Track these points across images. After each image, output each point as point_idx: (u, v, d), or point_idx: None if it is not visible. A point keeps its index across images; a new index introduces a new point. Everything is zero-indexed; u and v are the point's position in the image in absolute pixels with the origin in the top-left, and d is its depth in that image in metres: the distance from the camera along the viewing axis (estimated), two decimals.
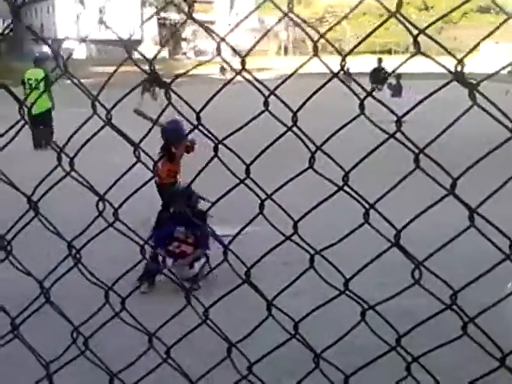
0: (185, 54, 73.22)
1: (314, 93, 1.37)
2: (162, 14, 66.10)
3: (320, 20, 74.45)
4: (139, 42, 73.55)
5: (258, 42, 1.68)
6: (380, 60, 20.15)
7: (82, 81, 1.53)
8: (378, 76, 20.37)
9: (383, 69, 20.30)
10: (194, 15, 1.36)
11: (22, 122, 1.50)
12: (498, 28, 1.22)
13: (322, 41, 1.40)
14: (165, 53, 72.82)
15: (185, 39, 74.97)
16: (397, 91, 20.71)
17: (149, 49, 73.22)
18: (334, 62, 1.38)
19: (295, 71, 1.45)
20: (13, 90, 1.62)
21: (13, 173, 1.73)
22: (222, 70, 36.13)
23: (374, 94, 1.42)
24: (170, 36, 65.02)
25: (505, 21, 1.20)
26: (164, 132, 7.56)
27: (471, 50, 1.20)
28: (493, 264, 1.34)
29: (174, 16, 71.59)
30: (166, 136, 7.67)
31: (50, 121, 15.04)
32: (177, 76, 1.52)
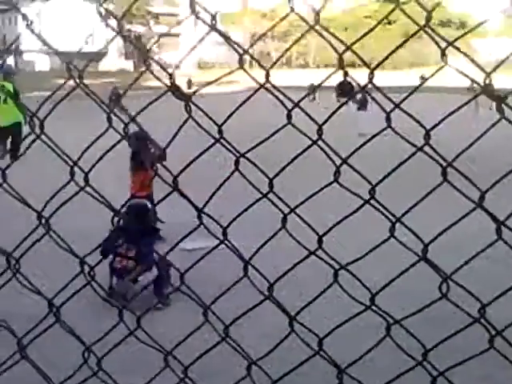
0: (150, 66, 72.55)
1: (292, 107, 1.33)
2: (127, 27, 66.01)
3: (285, 34, 75.19)
4: (104, 54, 73.25)
5: (286, 51, 1.63)
6: (346, 73, 20.30)
7: (46, 93, 1.47)
8: (344, 89, 20.59)
9: (349, 82, 20.50)
10: (156, 27, 1.27)
11: None
12: (456, 40, 1.22)
13: (288, 54, 1.37)
14: (130, 65, 72.69)
15: (149, 51, 74.35)
16: (363, 105, 20.87)
17: (113, 61, 73.04)
18: (299, 76, 1.34)
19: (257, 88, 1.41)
20: None
21: None
22: (189, 83, 36.14)
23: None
24: (135, 47, 64.96)
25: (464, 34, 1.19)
26: (130, 141, 7.43)
27: (499, 65, 1.18)
28: None
29: (138, 28, 71.61)
30: (133, 147, 7.56)
31: (20, 134, 14.67)
32: (195, 91, 1.46)
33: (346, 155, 1.35)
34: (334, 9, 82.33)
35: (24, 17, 1.32)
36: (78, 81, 1.34)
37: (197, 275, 1.61)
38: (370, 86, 1.30)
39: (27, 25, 1.35)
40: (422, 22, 1.26)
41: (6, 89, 14.56)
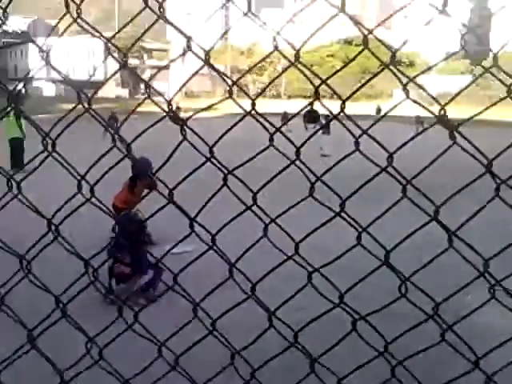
0: (143, 94, 72.71)
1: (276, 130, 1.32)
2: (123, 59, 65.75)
3: (260, 68, 75.74)
4: (103, 83, 72.86)
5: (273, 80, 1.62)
6: (312, 103, 20.62)
7: (50, 116, 1.44)
8: (311, 117, 20.94)
9: (315, 111, 20.81)
10: (149, 62, 1.25)
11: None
12: (417, 76, 1.24)
13: (261, 85, 1.38)
14: (125, 92, 72.42)
15: (148, 81, 74.03)
16: (327, 129, 21.22)
17: (111, 89, 72.68)
18: (272, 105, 1.34)
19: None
20: None
21: None
22: (177, 109, 36.10)
23: (308, 130, 1.43)
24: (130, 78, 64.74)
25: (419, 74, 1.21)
26: (133, 166, 7.19)
27: (452, 99, 1.19)
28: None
29: (133, 61, 71.67)
30: (134, 169, 7.53)
31: (20, 148, 14.91)
32: (190, 116, 1.45)
33: (311, 173, 1.34)
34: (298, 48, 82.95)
35: (40, 49, 1.29)
36: (86, 106, 1.32)
37: (185, 276, 1.59)
38: (336, 114, 1.31)
39: (42, 57, 1.34)
40: (377, 62, 1.28)
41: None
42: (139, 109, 1.54)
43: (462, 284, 1.45)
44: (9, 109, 1.44)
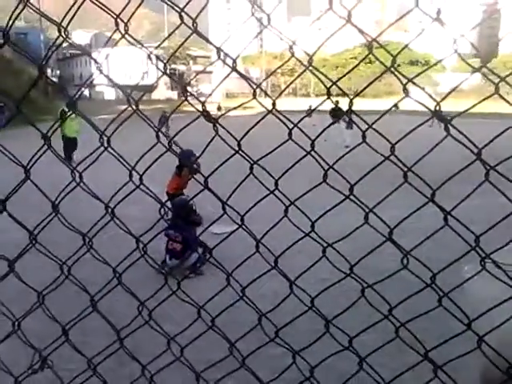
0: (190, 95, 73.14)
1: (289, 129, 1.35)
2: (172, 66, 66.93)
3: (291, 70, 75.30)
4: (155, 86, 73.72)
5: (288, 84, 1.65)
6: (337, 102, 20.58)
7: (110, 116, 1.50)
8: (335, 113, 20.85)
9: (339, 108, 20.63)
10: (195, 67, 1.29)
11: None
12: (415, 77, 1.24)
13: (293, 85, 1.39)
14: (175, 94, 73.10)
15: (190, 84, 75.44)
16: (349, 124, 21.18)
17: (162, 92, 73.47)
18: (302, 103, 1.35)
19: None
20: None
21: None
22: (219, 107, 36.22)
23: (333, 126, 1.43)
24: (178, 82, 65.29)
25: (424, 70, 1.21)
26: (180, 155, 7.89)
27: (446, 96, 1.19)
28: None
29: (181, 67, 72.46)
30: (180, 158, 7.92)
31: (72, 146, 15.91)
32: (222, 114, 1.50)
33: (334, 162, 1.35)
34: (326, 52, 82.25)
35: (95, 61, 1.35)
36: (134, 107, 1.37)
37: (221, 253, 1.63)
38: (354, 109, 1.31)
39: (97, 67, 1.39)
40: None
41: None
42: (187, 108, 1.58)
43: (466, 258, 1.45)
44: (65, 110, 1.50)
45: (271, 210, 2.16)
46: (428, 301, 1.47)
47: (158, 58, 1.48)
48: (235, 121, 1.53)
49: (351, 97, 1.26)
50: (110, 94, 68.45)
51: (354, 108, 1.29)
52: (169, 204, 7.50)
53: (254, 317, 1.70)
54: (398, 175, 1.31)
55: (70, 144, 15.72)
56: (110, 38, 1.56)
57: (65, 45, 1.52)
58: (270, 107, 1.31)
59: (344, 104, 1.45)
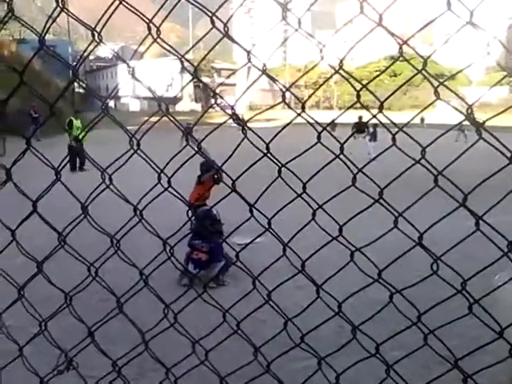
0: (214, 108, 73.89)
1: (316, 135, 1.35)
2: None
3: (314, 83, 75.54)
4: (180, 98, 74.73)
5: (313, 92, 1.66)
6: (360, 117, 20.63)
7: (135, 128, 1.52)
8: (359, 126, 20.89)
9: (364, 122, 20.72)
10: (219, 79, 1.31)
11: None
12: (446, 80, 1.24)
13: (317, 99, 1.39)
14: (198, 107, 73.94)
15: (215, 98, 75.38)
16: (372, 137, 21.26)
17: (186, 104, 74.41)
18: (325, 116, 1.36)
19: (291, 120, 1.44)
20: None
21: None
22: (242, 119, 36.29)
23: (357, 139, 1.43)
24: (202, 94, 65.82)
25: (444, 80, 1.20)
26: (200, 166, 8.41)
27: (479, 98, 1.19)
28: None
29: (204, 79, 73.25)
30: (200, 168, 8.49)
31: (83, 151, 16.38)
32: (250, 118, 1.55)
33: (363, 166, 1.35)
34: (352, 65, 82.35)
35: (132, 70, 1.37)
36: (164, 110, 1.39)
37: (245, 263, 1.62)
38: (378, 122, 1.31)
39: (131, 74, 1.41)
40: (419, 76, 1.28)
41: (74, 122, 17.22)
42: (211, 120, 1.60)
43: (492, 269, 1.43)
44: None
45: (296, 220, 2.15)
46: (455, 314, 1.44)
47: (184, 68, 1.50)
48: (259, 132, 1.55)
49: (376, 109, 1.26)
50: (134, 105, 69.56)
51: (379, 121, 1.29)
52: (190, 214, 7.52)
53: (277, 331, 1.70)
54: (425, 185, 1.29)
55: (79, 151, 16.47)
56: (138, 47, 1.58)
57: (92, 57, 1.55)
58: (295, 118, 1.32)
59: (368, 116, 1.45)
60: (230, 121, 1.43)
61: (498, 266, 1.43)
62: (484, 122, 1.11)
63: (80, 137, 16.51)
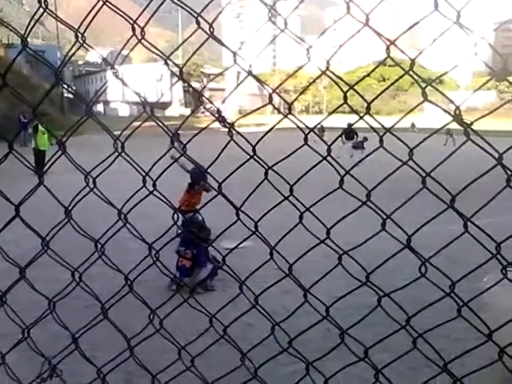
0: (203, 112, 74.27)
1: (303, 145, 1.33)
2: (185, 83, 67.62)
3: (303, 88, 75.87)
4: (170, 103, 74.60)
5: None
6: (350, 124, 20.64)
7: (126, 132, 1.49)
8: (348, 134, 20.91)
9: (352, 129, 20.73)
10: (208, 84, 1.28)
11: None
12: (433, 81, 1.22)
13: (306, 103, 1.38)
14: (188, 112, 73.88)
15: (202, 102, 75.48)
16: (358, 145, 20.89)
17: (176, 108, 74.26)
18: (314, 120, 1.35)
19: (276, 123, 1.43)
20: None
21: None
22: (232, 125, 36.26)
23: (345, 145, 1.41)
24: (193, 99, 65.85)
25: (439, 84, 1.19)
26: (190, 173, 8.37)
27: (466, 99, 1.18)
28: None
29: (194, 84, 73.19)
30: (191, 176, 8.40)
31: (43, 158, 16.63)
32: (237, 119, 1.47)
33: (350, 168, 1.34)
34: (340, 70, 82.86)
35: (116, 72, 1.35)
36: (149, 113, 1.37)
37: (233, 267, 1.60)
38: (367, 124, 1.30)
39: (115, 76, 1.39)
40: (408, 81, 1.27)
41: (39, 126, 17.11)
42: (200, 125, 1.58)
43: (476, 272, 1.42)
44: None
45: (283, 225, 2.13)
46: (442, 317, 1.43)
47: (173, 73, 1.48)
48: (249, 136, 1.53)
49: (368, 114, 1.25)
50: (124, 110, 69.29)
51: (366, 125, 1.28)
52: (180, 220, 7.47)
53: (264, 335, 1.67)
54: (413, 190, 1.28)
55: (41, 156, 16.60)
56: (120, 52, 1.56)
57: (81, 62, 1.52)
58: (283, 122, 1.30)
59: (357, 124, 1.43)
60: (217, 125, 1.41)
61: (481, 270, 1.42)
62: (472, 122, 1.10)
63: (42, 142, 16.86)
